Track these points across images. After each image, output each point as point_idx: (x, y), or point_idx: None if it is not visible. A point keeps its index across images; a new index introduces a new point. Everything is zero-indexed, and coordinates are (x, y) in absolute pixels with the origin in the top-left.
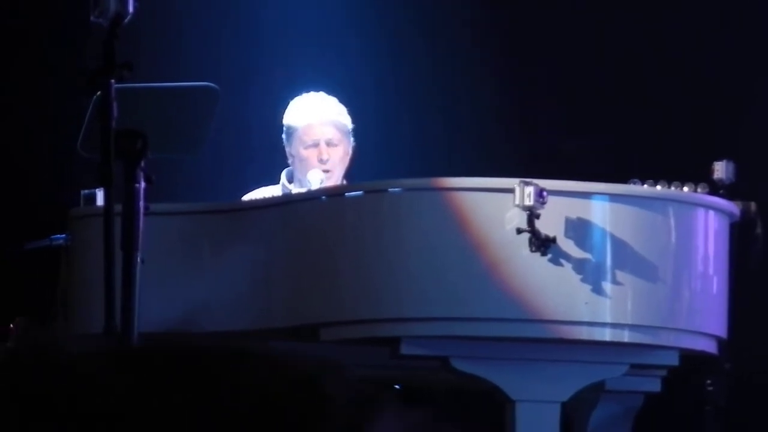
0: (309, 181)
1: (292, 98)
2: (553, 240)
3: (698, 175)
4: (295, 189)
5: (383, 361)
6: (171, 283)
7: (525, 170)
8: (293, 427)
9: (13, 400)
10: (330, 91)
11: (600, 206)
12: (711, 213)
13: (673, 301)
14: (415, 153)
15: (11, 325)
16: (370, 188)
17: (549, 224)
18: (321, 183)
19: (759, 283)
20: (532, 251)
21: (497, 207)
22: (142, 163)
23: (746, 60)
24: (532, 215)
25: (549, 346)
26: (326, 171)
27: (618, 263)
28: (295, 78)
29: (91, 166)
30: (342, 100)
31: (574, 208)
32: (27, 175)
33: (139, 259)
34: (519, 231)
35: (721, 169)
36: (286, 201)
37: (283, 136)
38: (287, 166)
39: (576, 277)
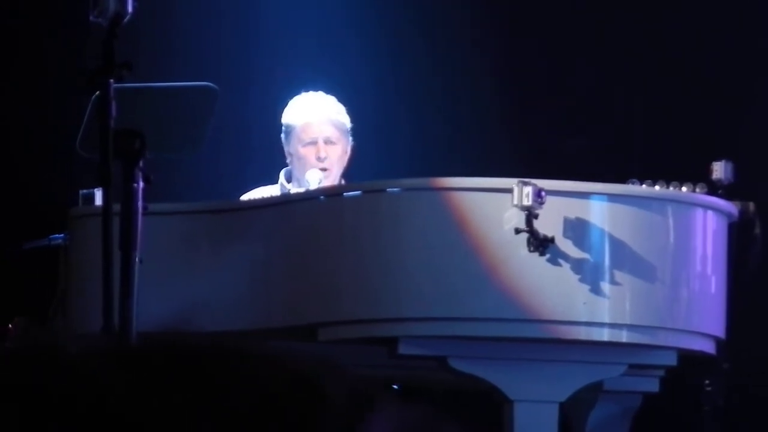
0: (307, 181)
1: (291, 98)
2: (552, 240)
3: (697, 175)
4: (293, 189)
5: (381, 361)
6: (169, 282)
7: (525, 170)
8: (293, 426)
9: (12, 400)
10: (330, 91)
11: (598, 206)
12: (709, 213)
13: (672, 301)
14: (414, 153)
15: (10, 325)
16: (369, 188)
17: (547, 224)
18: (319, 183)
19: (757, 284)
20: (530, 251)
21: (496, 207)
22: (141, 163)
23: (745, 60)
24: (531, 215)
25: (547, 346)
26: (324, 169)
27: (616, 263)
28: (295, 78)
29: (90, 166)
30: (342, 100)
31: (573, 208)
32: (26, 174)
33: (137, 259)
34: (517, 231)
35: (719, 170)
36: (285, 201)
37: (282, 135)
38: (286, 165)
39: (574, 277)
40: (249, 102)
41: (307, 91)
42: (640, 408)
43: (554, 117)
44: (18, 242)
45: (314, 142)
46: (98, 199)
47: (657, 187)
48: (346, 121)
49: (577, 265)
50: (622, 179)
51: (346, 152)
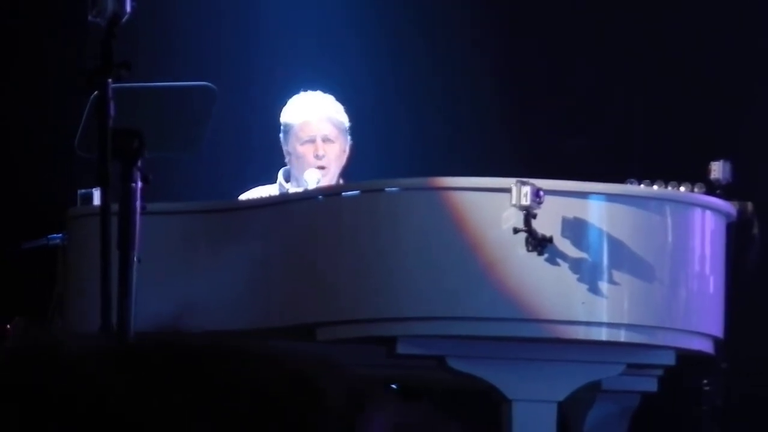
0: (306, 181)
1: (291, 98)
2: (550, 240)
3: (695, 175)
4: (292, 188)
5: (380, 360)
6: (167, 282)
7: (524, 170)
8: (291, 426)
9: (12, 400)
10: (330, 91)
11: (597, 206)
12: (708, 213)
13: (670, 300)
14: (414, 153)
15: (8, 325)
16: (367, 188)
17: (546, 224)
18: (318, 182)
19: (756, 283)
20: (528, 251)
21: (494, 206)
22: (139, 163)
23: (745, 60)
24: (529, 215)
25: (545, 345)
26: (322, 167)
27: (615, 263)
28: (294, 78)
29: (88, 166)
30: (342, 100)
31: (571, 208)
32: (24, 174)
33: (135, 259)
34: (516, 231)
35: (718, 169)
36: (283, 200)
37: (281, 134)
38: (285, 165)
39: (572, 277)
40: (249, 102)
41: (306, 90)
42: (639, 408)
43: (554, 117)
44: (16, 242)
45: (312, 140)
46: (96, 199)
47: (655, 187)
48: (344, 119)
49: (576, 265)
50: (620, 179)
51: (344, 151)
